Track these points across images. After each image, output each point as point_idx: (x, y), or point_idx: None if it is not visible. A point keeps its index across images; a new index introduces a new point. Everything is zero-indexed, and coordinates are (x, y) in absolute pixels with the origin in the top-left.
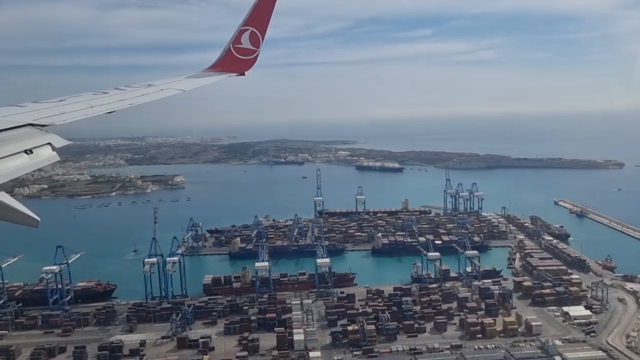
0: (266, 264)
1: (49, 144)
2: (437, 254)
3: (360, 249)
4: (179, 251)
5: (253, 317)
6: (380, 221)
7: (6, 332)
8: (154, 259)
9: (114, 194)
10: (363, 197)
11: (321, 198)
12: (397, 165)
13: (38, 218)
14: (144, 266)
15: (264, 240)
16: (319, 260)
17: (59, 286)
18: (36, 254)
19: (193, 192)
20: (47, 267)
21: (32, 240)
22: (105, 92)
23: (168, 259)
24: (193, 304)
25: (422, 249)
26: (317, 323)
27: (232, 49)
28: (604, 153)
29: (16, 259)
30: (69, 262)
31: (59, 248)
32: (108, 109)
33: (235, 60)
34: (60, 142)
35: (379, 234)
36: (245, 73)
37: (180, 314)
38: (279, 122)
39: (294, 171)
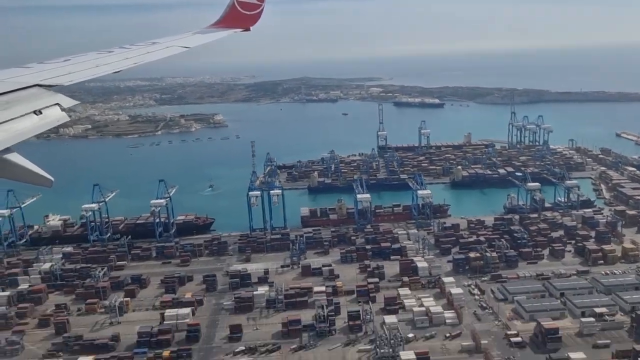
0: (368, 195)
1: (58, 104)
2: (537, 184)
3: (437, 182)
4: (254, 185)
5: (367, 247)
6: (449, 155)
7: (125, 262)
8: (258, 192)
9: (159, 132)
10: (428, 131)
11: (385, 132)
12: (437, 100)
13: (52, 178)
14: (248, 199)
15: (340, 174)
16: (420, 192)
17: (160, 219)
18: (124, 189)
19: (238, 130)
20: (155, 201)
21: (114, 177)
22: (110, 51)
23: (272, 192)
24: (302, 234)
25: (516, 180)
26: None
27: (235, 3)
28: None
29: (114, 194)
30: (171, 195)
31: (161, 182)
32: (114, 69)
33: (240, 15)
34: (68, 102)
35: (459, 167)
36: (250, 28)
37: (297, 244)
38: (295, 61)
39: (330, 108)
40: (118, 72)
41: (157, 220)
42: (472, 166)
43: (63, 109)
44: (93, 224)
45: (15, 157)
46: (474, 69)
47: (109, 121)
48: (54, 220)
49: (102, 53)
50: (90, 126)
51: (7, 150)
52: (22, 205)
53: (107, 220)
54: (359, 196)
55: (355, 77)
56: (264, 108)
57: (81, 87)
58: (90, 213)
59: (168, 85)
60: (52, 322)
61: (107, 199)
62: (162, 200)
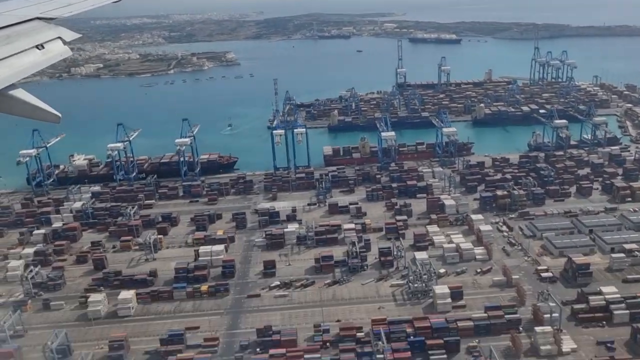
0: (392, 133)
1: (59, 37)
2: (564, 121)
3: (459, 120)
4: (275, 124)
5: (393, 185)
6: (470, 92)
7: (153, 201)
8: (282, 131)
9: (172, 71)
10: (448, 67)
11: (404, 70)
12: (454, 36)
13: (59, 114)
14: (272, 138)
15: (360, 113)
16: (445, 130)
17: (185, 158)
18: (145, 128)
19: (251, 69)
20: (180, 140)
21: (133, 116)
22: None
23: (296, 130)
24: (327, 173)
25: (541, 118)
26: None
27: None
28: None
29: (137, 133)
30: (194, 133)
31: (185, 121)
32: None
33: None
34: (70, 35)
35: (481, 104)
36: None
37: (323, 182)
38: None
39: (343, 45)
40: (118, 1)
41: (182, 159)
42: (494, 104)
43: (65, 43)
44: (118, 163)
45: (20, 93)
46: (490, 2)
47: (119, 60)
48: (79, 160)
49: None
50: (102, 65)
51: (12, 86)
52: (48, 145)
53: (132, 159)
54: (383, 134)
55: (368, 12)
56: (275, 45)
57: (88, 25)
58: (116, 152)
59: (175, 22)
60: (90, 259)
61: (131, 138)
62: (186, 139)
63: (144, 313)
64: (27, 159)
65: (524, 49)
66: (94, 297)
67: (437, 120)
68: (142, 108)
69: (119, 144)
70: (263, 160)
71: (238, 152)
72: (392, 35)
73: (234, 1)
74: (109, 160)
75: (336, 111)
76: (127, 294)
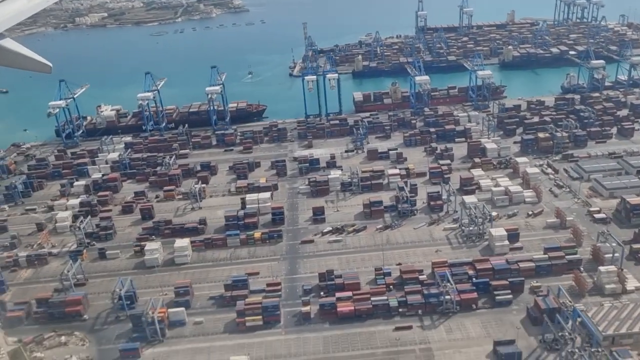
0: (427, 77)
1: None
2: (602, 61)
3: (486, 64)
4: (296, 71)
5: (431, 129)
6: (494, 34)
7: (188, 151)
8: (313, 77)
9: (179, 19)
10: (471, 9)
11: (425, 12)
12: None
13: (50, 64)
14: (303, 84)
15: (383, 58)
16: (480, 73)
17: (214, 107)
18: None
19: (261, 15)
20: (210, 88)
21: (150, 66)
22: None
23: (328, 75)
24: (362, 119)
25: (576, 59)
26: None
27: None
28: None
29: (163, 82)
30: (222, 81)
31: (214, 68)
32: None
33: None
34: None
35: (509, 47)
36: None
37: (360, 128)
38: None
39: None
40: None
41: (212, 107)
42: (521, 46)
43: None
44: (147, 113)
45: (9, 43)
46: None
47: (124, 8)
48: (107, 111)
49: None
50: (106, 14)
51: (0, 36)
52: (75, 96)
53: (160, 109)
54: (417, 78)
55: None
56: None
57: None
58: (146, 102)
59: None
60: (138, 209)
61: (159, 87)
62: (217, 87)
63: (200, 260)
64: (57, 110)
65: None
66: (150, 245)
67: (469, 63)
68: (157, 57)
69: (148, 94)
70: (290, 108)
71: (263, 100)
72: None
73: None
74: (139, 110)
75: (360, 56)
76: (183, 242)
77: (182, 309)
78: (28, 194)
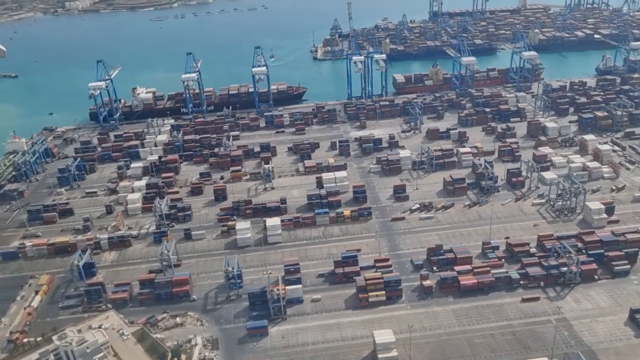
0: (473, 58)
1: None
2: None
3: (510, 48)
4: (319, 55)
5: (487, 109)
6: (511, 19)
7: (238, 133)
8: (362, 57)
9: (175, 5)
10: None
11: None
12: None
13: (4, 48)
14: (349, 65)
15: (408, 41)
16: (525, 53)
17: (257, 89)
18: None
19: (259, 0)
20: (257, 69)
21: (163, 50)
22: None
23: (376, 56)
24: (413, 99)
25: (612, 41)
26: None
27: None
28: None
29: (200, 62)
30: (268, 64)
31: (257, 49)
32: None
33: None
34: None
35: (536, 30)
36: None
37: (415, 108)
38: None
39: None
40: None
41: (256, 89)
42: (542, 30)
43: None
44: (186, 95)
45: None
46: None
47: None
48: (143, 93)
49: None
50: None
51: None
52: (112, 77)
53: (197, 91)
54: (464, 59)
55: None
56: None
57: None
58: (192, 83)
59: None
60: (213, 189)
61: (198, 68)
62: (263, 68)
63: (292, 239)
64: (98, 91)
65: None
66: (240, 225)
67: (507, 45)
68: (167, 41)
69: (193, 74)
70: (325, 90)
71: (293, 82)
72: None
73: None
74: (179, 92)
75: (387, 40)
76: (275, 221)
77: (300, 286)
78: (82, 177)
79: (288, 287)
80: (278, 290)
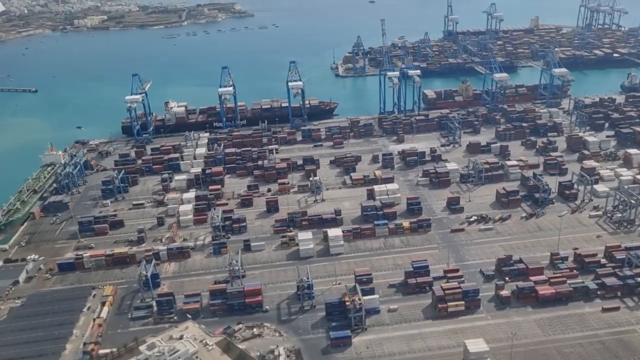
0: (506, 75)
1: None
2: None
3: (530, 65)
4: (341, 72)
5: (524, 124)
6: (527, 38)
7: (277, 146)
8: (397, 73)
9: (185, 23)
10: (500, 14)
11: (457, 17)
12: None
13: None
14: (382, 80)
15: (429, 58)
16: (556, 70)
17: (291, 104)
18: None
19: (266, 20)
20: (294, 83)
21: (184, 66)
22: None
23: (411, 72)
24: (447, 114)
25: (636, 59)
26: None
27: None
28: None
29: (231, 78)
30: (302, 79)
31: (292, 63)
32: None
33: None
34: None
35: (557, 49)
36: None
37: (454, 124)
38: None
39: None
40: None
41: (290, 104)
42: (562, 49)
43: None
44: (221, 108)
45: None
46: None
47: (121, 12)
48: (175, 107)
49: None
50: (105, 17)
51: None
52: (146, 90)
53: (231, 105)
54: (496, 76)
55: None
56: None
57: None
58: (229, 96)
59: None
60: (265, 201)
61: (231, 82)
62: (299, 83)
63: (353, 250)
64: (135, 104)
65: None
66: (302, 236)
67: (540, 62)
68: (185, 58)
69: (229, 88)
70: (353, 105)
71: (318, 98)
72: None
73: None
74: (221, 103)
75: (411, 57)
76: (336, 232)
77: (377, 296)
78: (126, 189)
79: (365, 297)
80: (360, 299)
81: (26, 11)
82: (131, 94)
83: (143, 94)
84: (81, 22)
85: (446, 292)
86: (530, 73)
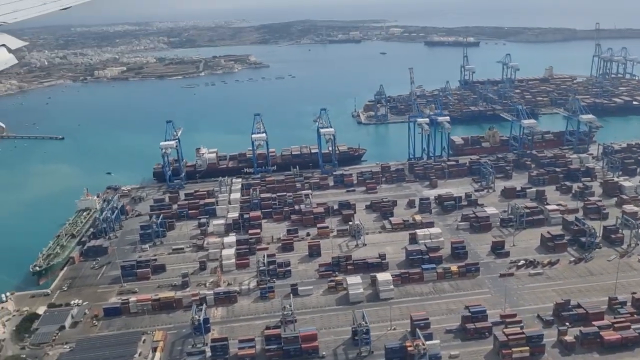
0: (534, 121)
1: (4, 45)
2: None
3: (551, 112)
4: (363, 119)
5: (557, 169)
6: (543, 87)
7: (310, 191)
8: (427, 119)
9: (202, 73)
10: (516, 64)
11: (473, 66)
12: (472, 39)
13: (3, 125)
14: (410, 127)
15: (449, 106)
16: (584, 117)
17: (320, 150)
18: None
19: (281, 71)
20: (325, 130)
21: (210, 115)
22: None
23: (440, 118)
24: (479, 159)
25: None
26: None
27: None
28: None
29: (261, 124)
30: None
31: (323, 111)
32: (62, 5)
33: None
34: (15, 43)
35: (578, 96)
36: None
37: (488, 169)
38: (276, 5)
39: (358, 49)
40: (67, 8)
41: (321, 150)
42: (581, 97)
43: (10, 51)
44: (253, 154)
45: None
46: (463, 9)
47: (139, 63)
48: (207, 153)
49: None
50: (125, 68)
51: None
52: (178, 136)
53: (261, 152)
54: (525, 122)
55: (359, 19)
56: (288, 49)
57: (69, 32)
58: (262, 143)
59: (159, 29)
60: (308, 245)
61: (262, 130)
62: (331, 129)
63: (403, 294)
64: (170, 150)
65: (547, 50)
66: (351, 280)
67: (563, 109)
68: (208, 107)
69: (262, 134)
70: (379, 151)
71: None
72: (404, 40)
73: (195, 10)
74: (254, 149)
75: (433, 105)
76: (385, 276)
77: (437, 341)
78: (163, 234)
79: (427, 343)
80: (424, 345)
81: (46, 63)
82: (165, 140)
83: (176, 140)
84: (101, 72)
85: (509, 337)
86: (551, 120)
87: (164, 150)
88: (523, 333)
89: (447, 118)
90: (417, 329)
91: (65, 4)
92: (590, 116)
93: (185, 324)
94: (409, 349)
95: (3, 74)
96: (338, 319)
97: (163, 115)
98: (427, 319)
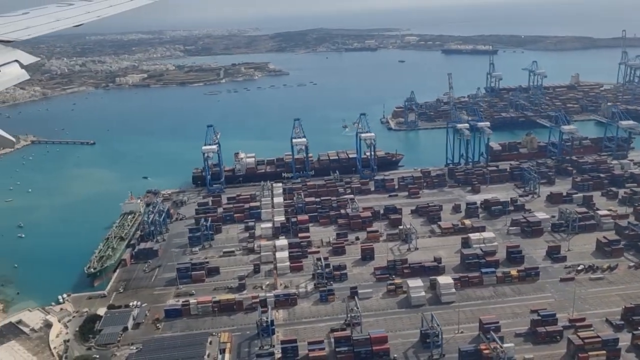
0: (574, 127)
1: (17, 61)
2: None
3: (581, 119)
4: (393, 125)
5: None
6: (571, 94)
7: (352, 196)
8: (467, 124)
9: (223, 80)
10: (543, 71)
11: (500, 73)
12: (490, 47)
13: (13, 139)
14: (450, 132)
15: (478, 112)
16: (623, 123)
17: (360, 155)
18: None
19: (301, 78)
20: (366, 134)
21: (239, 120)
22: (71, 4)
23: (480, 124)
24: (521, 165)
25: None
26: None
27: None
28: None
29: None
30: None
31: (362, 115)
32: (75, 22)
33: None
34: (27, 58)
35: (609, 103)
36: None
37: (532, 174)
38: (285, 15)
39: (375, 57)
40: (80, 25)
41: (359, 155)
42: (611, 103)
43: (22, 66)
44: (293, 159)
45: None
46: (480, 18)
47: (159, 70)
48: (246, 158)
49: (62, 6)
50: (146, 75)
51: None
52: (218, 140)
53: (299, 157)
54: (565, 128)
55: (373, 27)
56: (305, 57)
57: (84, 40)
58: (302, 147)
59: (173, 38)
60: (361, 249)
61: (299, 134)
62: (371, 134)
63: (464, 298)
64: (212, 155)
65: (566, 58)
66: (412, 283)
67: (598, 115)
68: (234, 113)
69: (303, 139)
70: (414, 157)
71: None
72: (420, 48)
73: (213, 19)
74: (294, 154)
75: (465, 111)
76: (447, 280)
77: (512, 344)
78: (212, 237)
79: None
80: (501, 347)
81: (67, 70)
82: (205, 144)
83: (217, 144)
84: (122, 79)
85: (585, 341)
86: (583, 126)
87: (206, 155)
88: (599, 337)
89: (487, 123)
90: (492, 332)
91: (78, 21)
92: (631, 122)
93: (247, 326)
94: (485, 351)
95: (26, 81)
96: (402, 322)
97: (190, 121)
98: (498, 322)
